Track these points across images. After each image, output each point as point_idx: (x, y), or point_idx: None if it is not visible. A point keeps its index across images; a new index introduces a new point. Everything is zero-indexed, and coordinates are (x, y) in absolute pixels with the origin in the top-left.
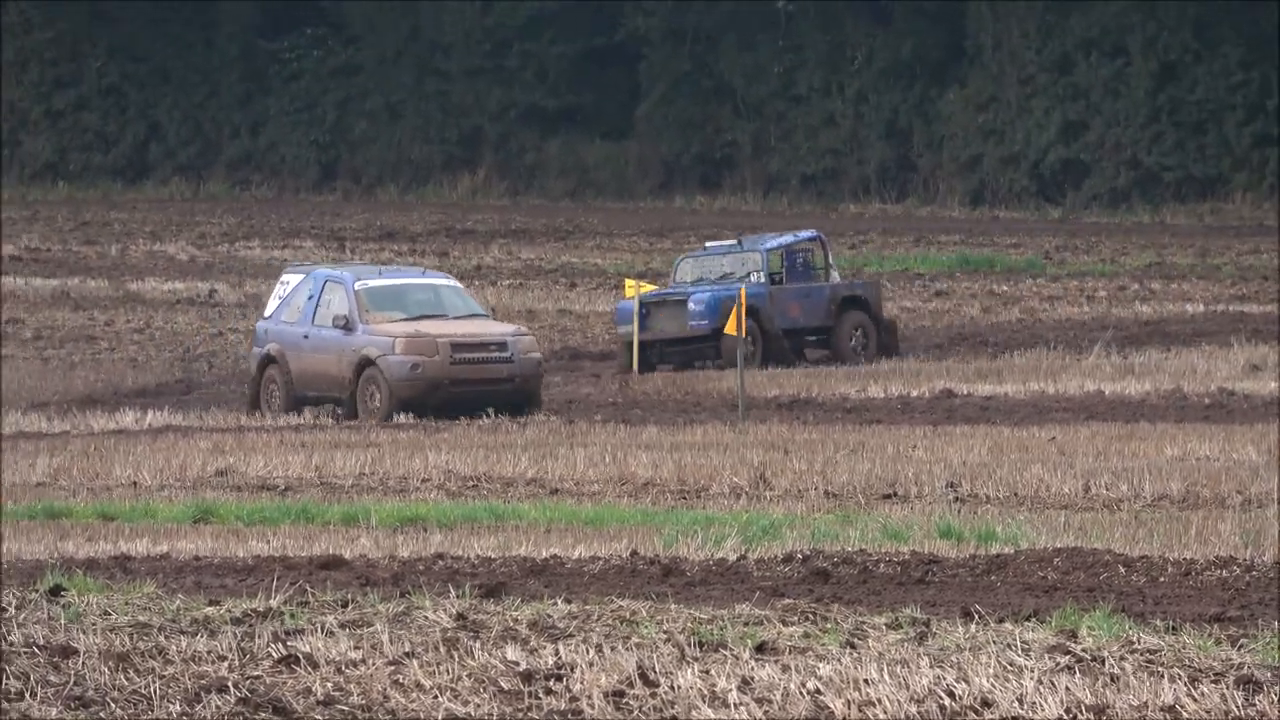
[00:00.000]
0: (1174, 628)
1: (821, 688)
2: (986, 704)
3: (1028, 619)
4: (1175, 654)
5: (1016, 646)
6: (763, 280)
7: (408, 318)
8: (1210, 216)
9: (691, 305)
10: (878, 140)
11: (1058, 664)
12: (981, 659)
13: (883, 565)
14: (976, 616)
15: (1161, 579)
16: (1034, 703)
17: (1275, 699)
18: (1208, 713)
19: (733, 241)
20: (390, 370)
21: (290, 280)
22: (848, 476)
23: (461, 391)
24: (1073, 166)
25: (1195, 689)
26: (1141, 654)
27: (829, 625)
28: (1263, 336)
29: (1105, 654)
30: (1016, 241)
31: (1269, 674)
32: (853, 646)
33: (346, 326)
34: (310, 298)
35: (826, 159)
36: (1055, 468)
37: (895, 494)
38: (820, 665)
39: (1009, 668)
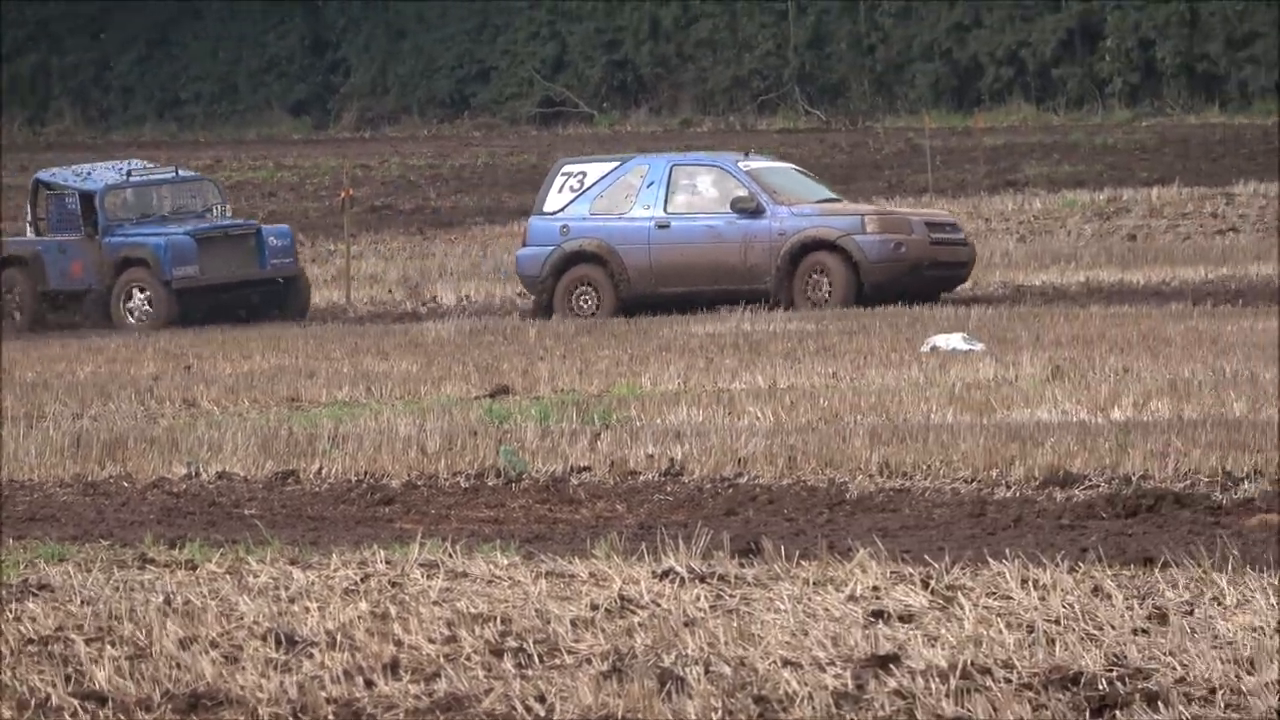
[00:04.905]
0: None
1: None
2: None
3: None
4: None
5: None
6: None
7: (818, 200)
8: None
9: (273, 240)
10: None
11: None
12: None
13: None
14: None
15: None
16: None
17: None
18: None
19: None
20: (866, 251)
21: (586, 171)
22: None
23: (934, 275)
24: None
25: None
26: None
27: None
28: None
29: None
30: None
31: None
32: None
33: (753, 211)
34: (651, 185)
35: None
36: None
37: None
38: None
39: None
